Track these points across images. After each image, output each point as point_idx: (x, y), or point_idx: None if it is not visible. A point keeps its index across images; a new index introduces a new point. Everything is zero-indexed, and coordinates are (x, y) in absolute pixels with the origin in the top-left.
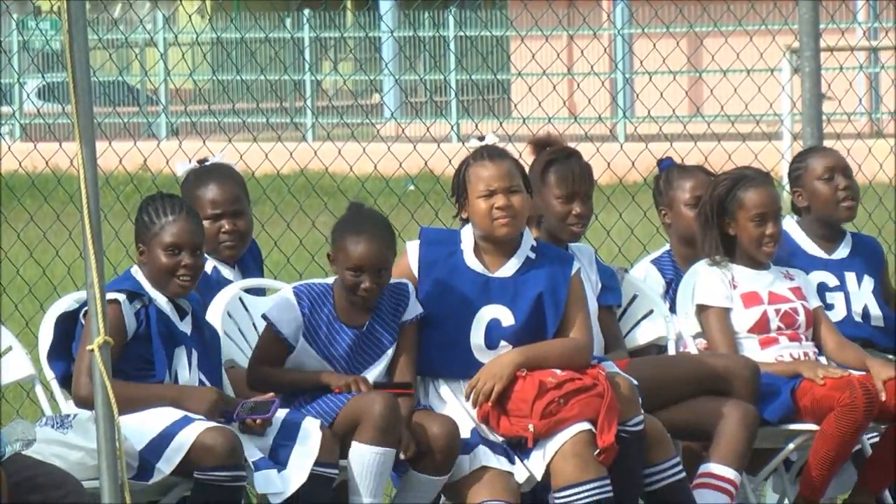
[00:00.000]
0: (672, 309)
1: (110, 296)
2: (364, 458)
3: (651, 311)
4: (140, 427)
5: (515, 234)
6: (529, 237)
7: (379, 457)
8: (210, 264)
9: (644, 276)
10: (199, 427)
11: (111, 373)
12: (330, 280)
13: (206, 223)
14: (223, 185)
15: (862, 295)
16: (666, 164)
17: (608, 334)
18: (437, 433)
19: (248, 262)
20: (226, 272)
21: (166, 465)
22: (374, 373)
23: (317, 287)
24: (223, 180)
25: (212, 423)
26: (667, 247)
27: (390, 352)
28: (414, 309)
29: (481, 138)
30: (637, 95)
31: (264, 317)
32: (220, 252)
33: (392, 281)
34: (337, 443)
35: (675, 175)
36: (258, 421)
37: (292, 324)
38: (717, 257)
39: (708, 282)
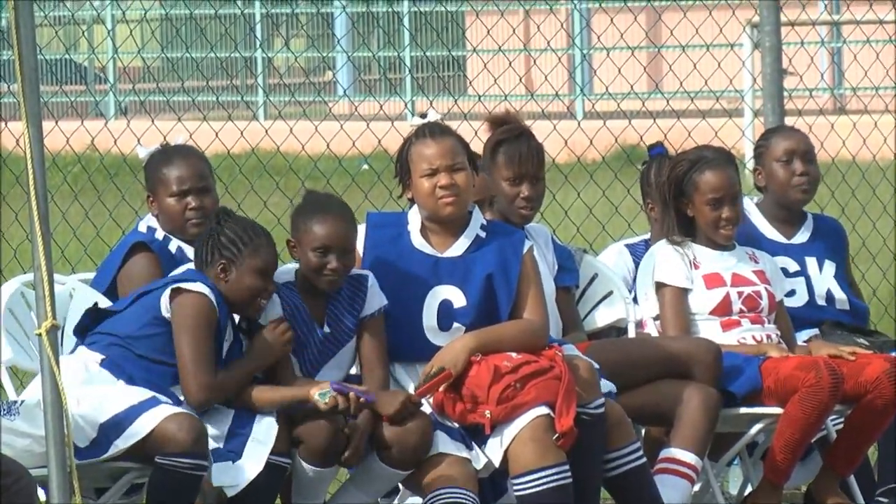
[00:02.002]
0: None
1: (198, 288)
2: (304, 470)
3: (611, 293)
4: (106, 400)
5: (460, 212)
6: (479, 216)
7: (318, 472)
8: (174, 244)
9: (615, 259)
10: (165, 410)
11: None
12: (287, 269)
13: (171, 201)
14: (189, 162)
15: (824, 279)
16: (656, 152)
17: (566, 316)
18: (411, 427)
19: None
20: (190, 252)
21: (123, 442)
22: (331, 370)
23: (284, 285)
24: (188, 157)
25: (178, 409)
26: (646, 236)
27: (349, 347)
28: (376, 300)
29: (423, 115)
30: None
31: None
32: (186, 230)
33: (352, 271)
34: (289, 432)
35: (665, 166)
36: (361, 399)
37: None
38: (675, 237)
39: (667, 261)
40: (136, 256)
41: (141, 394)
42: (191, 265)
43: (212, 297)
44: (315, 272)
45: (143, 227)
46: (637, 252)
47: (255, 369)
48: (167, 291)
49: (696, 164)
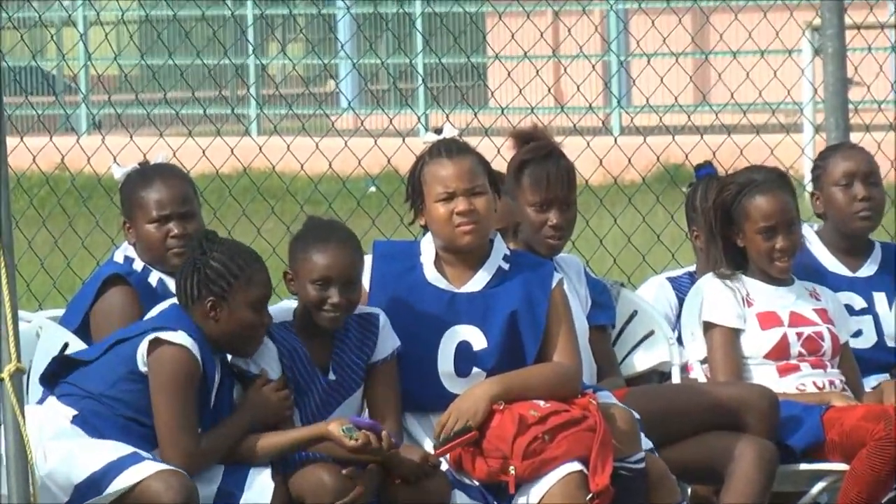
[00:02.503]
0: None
1: (179, 339)
2: None
3: (652, 333)
4: (79, 455)
5: (480, 242)
6: (502, 245)
7: None
8: (154, 276)
9: (656, 294)
10: (149, 467)
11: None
12: (284, 308)
13: (150, 228)
14: (170, 183)
15: (895, 317)
16: (704, 173)
17: (601, 359)
18: (427, 488)
19: None
20: (171, 282)
21: (100, 501)
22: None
23: (280, 325)
24: (170, 178)
25: (164, 465)
26: (691, 268)
27: (356, 395)
28: (389, 343)
29: (438, 131)
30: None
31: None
32: (167, 261)
33: (360, 310)
34: (287, 494)
35: (714, 188)
36: (393, 440)
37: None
38: (724, 270)
39: (717, 298)
40: (110, 291)
41: (120, 448)
42: (174, 300)
43: (195, 349)
44: (315, 308)
45: (119, 257)
46: (681, 286)
47: (247, 427)
48: (145, 343)
49: (745, 187)
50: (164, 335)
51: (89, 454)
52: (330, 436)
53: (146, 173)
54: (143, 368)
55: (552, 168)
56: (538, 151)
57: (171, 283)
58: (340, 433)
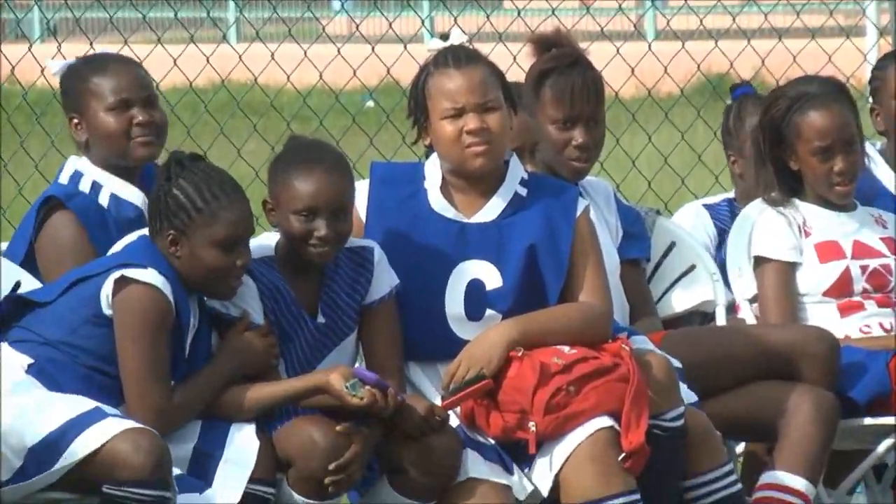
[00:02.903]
0: (722, 267)
1: (148, 277)
2: (293, 503)
3: (693, 267)
4: (34, 414)
5: (494, 165)
6: (518, 167)
7: None
8: (106, 192)
9: (692, 223)
10: (115, 425)
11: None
12: (265, 241)
13: (107, 118)
14: (128, 69)
15: None
16: (741, 92)
17: (634, 298)
18: (434, 445)
19: (147, 185)
20: (128, 194)
21: (59, 465)
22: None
23: (261, 260)
24: (127, 64)
25: (132, 423)
26: (730, 195)
27: (350, 340)
28: (385, 280)
29: (445, 37)
30: None
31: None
32: (132, 154)
33: (351, 243)
34: (272, 451)
35: (750, 110)
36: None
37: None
38: (775, 196)
39: (769, 227)
40: (53, 217)
41: (82, 404)
42: (144, 231)
43: (166, 289)
44: (299, 242)
45: (64, 178)
46: (719, 215)
47: (228, 378)
48: (109, 282)
49: (797, 101)
50: (131, 273)
51: (44, 411)
52: (330, 388)
53: (95, 60)
54: (107, 311)
55: (577, 79)
56: (561, 60)
57: (124, 194)
58: (342, 388)
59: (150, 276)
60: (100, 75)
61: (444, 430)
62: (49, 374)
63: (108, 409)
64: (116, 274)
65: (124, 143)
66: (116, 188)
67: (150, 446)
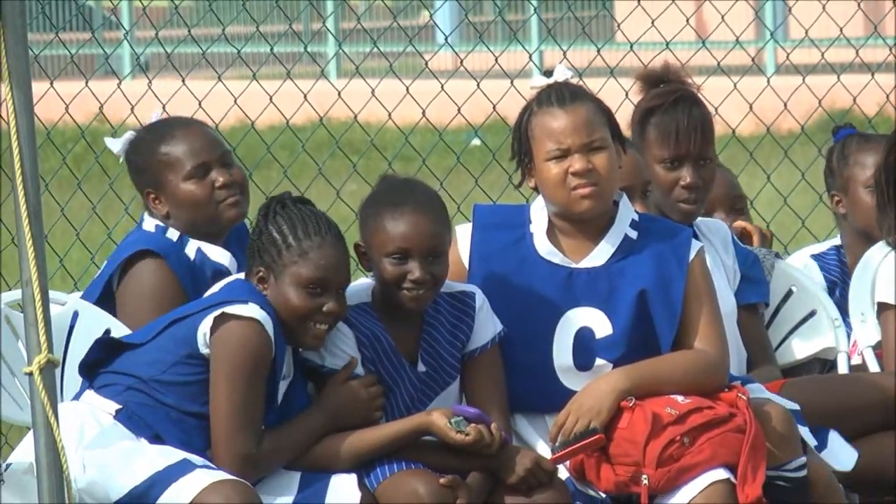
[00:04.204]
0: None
1: (250, 312)
2: None
3: (813, 313)
4: (121, 465)
5: (602, 207)
6: (628, 209)
7: None
8: (192, 246)
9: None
10: (205, 477)
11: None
12: (361, 287)
13: (189, 186)
14: (194, 130)
15: None
16: (843, 134)
17: (752, 344)
18: (542, 500)
19: (233, 246)
20: (215, 254)
21: None
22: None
23: (357, 307)
24: (191, 126)
25: (222, 474)
26: (836, 241)
27: (452, 388)
28: (489, 327)
29: (548, 73)
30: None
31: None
32: (222, 216)
33: (452, 287)
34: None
35: (854, 147)
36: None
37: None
38: None
39: (893, 272)
40: (141, 263)
41: (169, 455)
42: (241, 275)
43: (267, 324)
44: (393, 286)
45: (149, 226)
46: (827, 265)
47: (326, 429)
48: (209, 319)
49: None
50: (231, 309)
51: (130, 464)
52: (434, 427)
53: (158, 128)
54: (204, 350)
55: (682, 117)
56: (665, 97)
57: (211, 254)
58: (446, 426)
59: (252, 310)
60: (169, 143)
61: (552, 484)
62: (139, 417)
63: (196, 459)
64: (217, 311)
65: (212, 209)
66: (204, 246)
67: (242, 500)
